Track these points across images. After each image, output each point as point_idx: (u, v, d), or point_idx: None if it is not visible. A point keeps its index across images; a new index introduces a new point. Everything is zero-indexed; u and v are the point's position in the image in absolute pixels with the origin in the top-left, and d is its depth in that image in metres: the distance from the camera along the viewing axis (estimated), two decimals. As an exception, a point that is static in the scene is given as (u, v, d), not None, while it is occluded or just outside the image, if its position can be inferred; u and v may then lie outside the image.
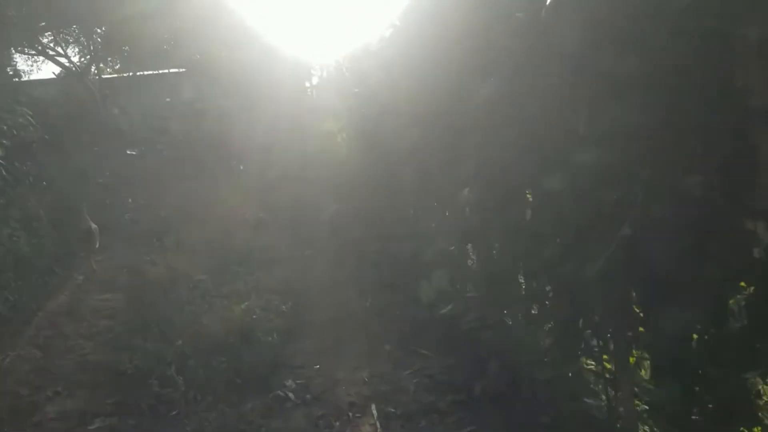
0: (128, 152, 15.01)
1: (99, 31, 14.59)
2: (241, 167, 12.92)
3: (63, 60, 15.70)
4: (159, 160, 14.05)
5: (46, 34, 14.65)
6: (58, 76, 16.04)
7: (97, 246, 6.59)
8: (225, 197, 8.77)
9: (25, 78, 18.64)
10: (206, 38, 21.12)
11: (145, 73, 26.25)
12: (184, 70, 26.58)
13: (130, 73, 18.47)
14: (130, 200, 9.81)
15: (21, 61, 16.56)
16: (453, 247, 3.94)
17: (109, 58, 16.23)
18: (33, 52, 15.08)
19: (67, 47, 15.24)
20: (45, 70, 22.34)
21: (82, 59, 15.50)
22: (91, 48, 15.29)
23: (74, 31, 14.53)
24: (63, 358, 4.20)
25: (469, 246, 3.90)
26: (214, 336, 4.02)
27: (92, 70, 16.37)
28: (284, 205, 7.85)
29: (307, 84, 18.54)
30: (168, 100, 27.22)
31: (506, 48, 2.72)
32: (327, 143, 8.14)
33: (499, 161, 2.91)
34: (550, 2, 2.38)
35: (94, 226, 6.58)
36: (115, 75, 21.04)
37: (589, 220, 2.17)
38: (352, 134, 7.28)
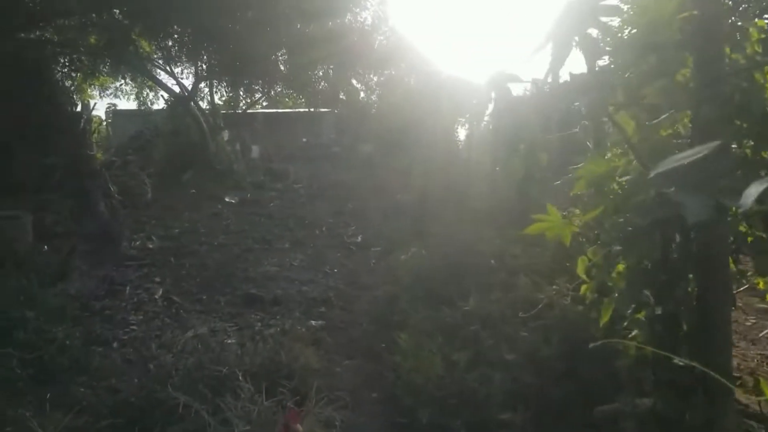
0: (227, 199, 11.54)
1: (210, 44, 11.32)
2: (359, 238, 8.47)
3: (171, 83, 12.78)
4: (254, 216, 10.18)
5: (144, 45, 11.79)
6: (167, 101, 13.21)
7: None
8: (297, 336, 4.18)
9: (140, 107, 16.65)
10: (354, 76, 17.84)
11: (281, 110, 23.62)
12: (327, 110, 23.80)
13: (263, 110, 15.30)
14: (151, 296, 5.54)
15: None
16: None
17: (222, 83, 13.06)
18: (128, 72, 12.44)
19: (175, 62, 12.28)
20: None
21: (188, 72, 12.39)
22: (203, 65, 12.17)
23: (184, 41, 11.44)
24: None
25: None
26: None
27: (202, 91, 13.31)
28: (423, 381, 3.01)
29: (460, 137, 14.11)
30: (304, 140, 24.37)
31: None
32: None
33: None
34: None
35: None
36: (248, 110, 18.44)
37: None
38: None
